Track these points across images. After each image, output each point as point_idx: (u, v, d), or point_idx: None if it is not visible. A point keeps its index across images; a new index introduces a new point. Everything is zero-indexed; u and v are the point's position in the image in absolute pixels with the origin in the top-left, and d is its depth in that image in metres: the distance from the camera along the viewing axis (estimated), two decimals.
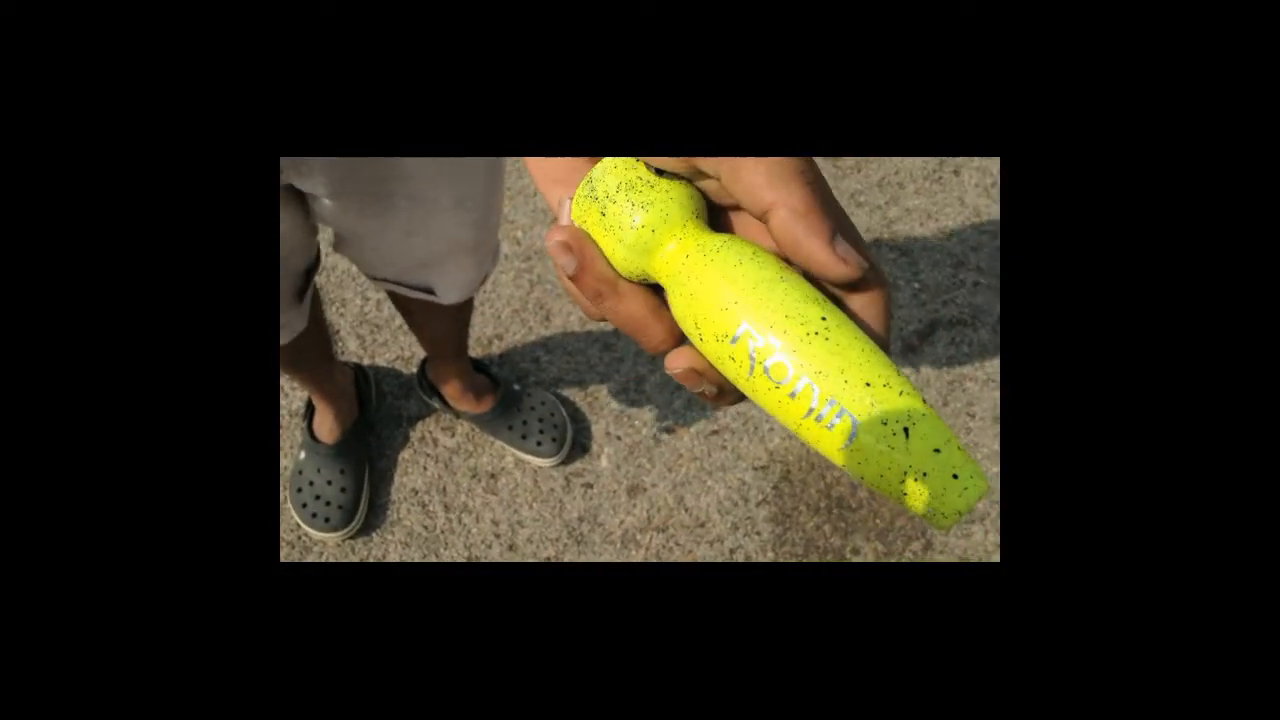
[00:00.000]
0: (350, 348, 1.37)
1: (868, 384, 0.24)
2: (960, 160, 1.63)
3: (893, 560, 1.30)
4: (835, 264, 0.24)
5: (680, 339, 0.27)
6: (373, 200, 0.75)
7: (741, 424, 1.38)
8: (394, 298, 1.02)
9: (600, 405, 1.38)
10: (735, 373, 0.26)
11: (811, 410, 0.25)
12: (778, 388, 0.25)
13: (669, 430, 1.37)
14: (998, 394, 1.42)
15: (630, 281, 0.27)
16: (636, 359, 1.42)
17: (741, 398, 0.27)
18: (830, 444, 0.25)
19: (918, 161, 1.62)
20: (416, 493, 1.28)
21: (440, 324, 1.09)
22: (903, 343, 1.46)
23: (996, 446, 1.38)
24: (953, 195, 1.60)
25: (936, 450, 0.24)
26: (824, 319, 0.25)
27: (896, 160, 1.62)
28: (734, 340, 0.25)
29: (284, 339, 0.92)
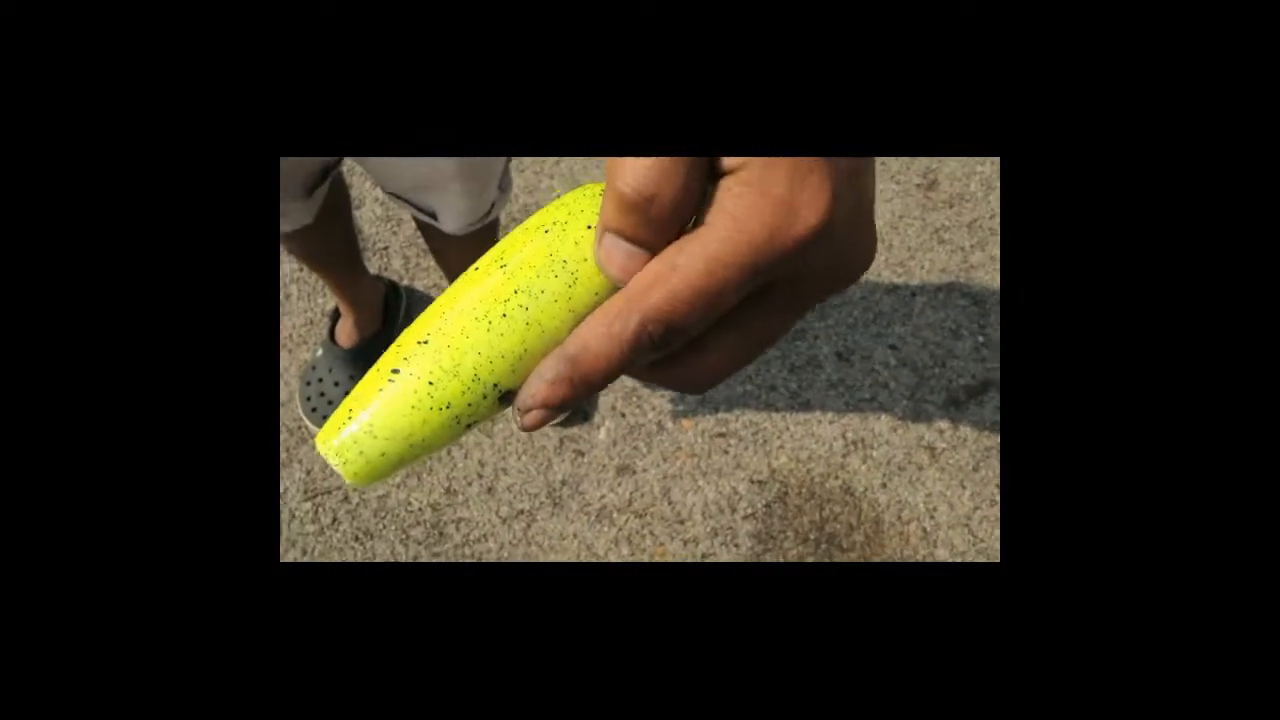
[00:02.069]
0: (394, 265, 1.41)
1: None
2: None
3: None
4: (597, 250, 0.22)
5: None
6: None
7: (752, 433, 1.33)
8: (415, 220, 1.04)
9: None
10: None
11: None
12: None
13: (676, 420, 1.34)
14: None
15: None
16: None
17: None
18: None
19: None
20: None
21: (455, 254, 1.10)
22: (948, 394, 1.36)
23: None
24: None
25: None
26: (516, 292, 0.23)
27: (996, 203, 1.51)
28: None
29: (285, 227, 0.95)
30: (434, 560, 1.21)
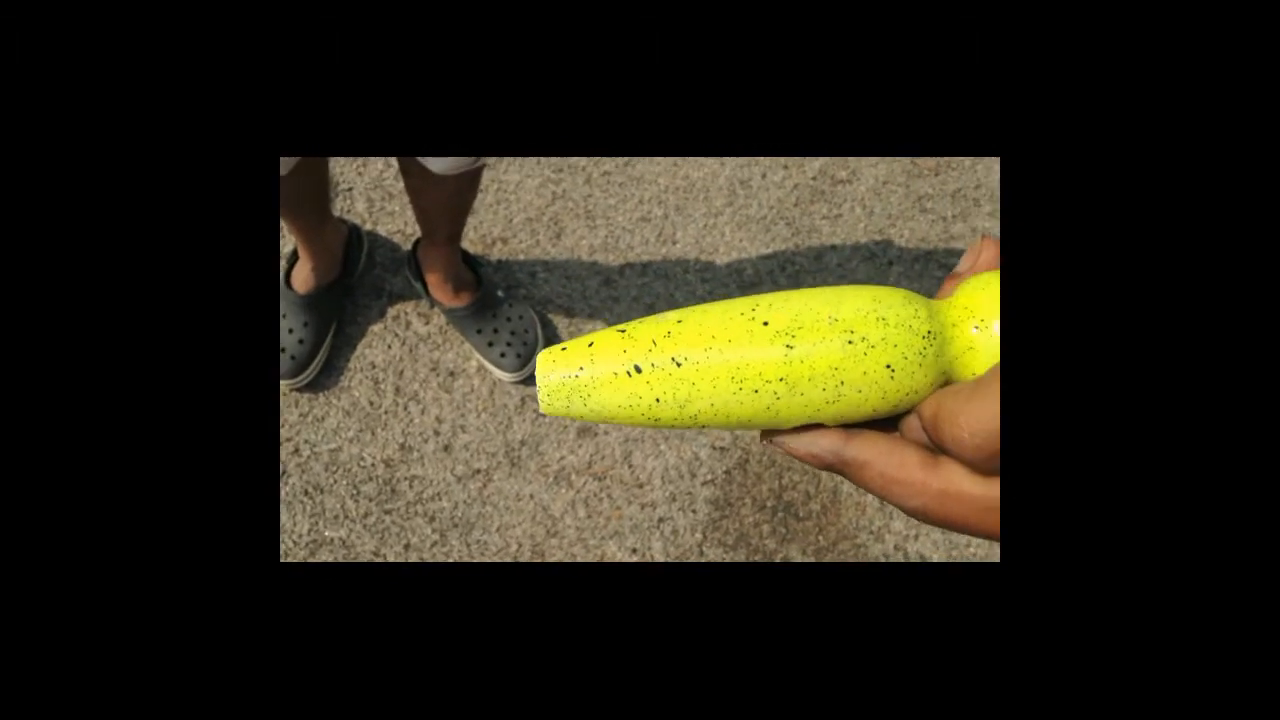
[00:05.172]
0: (358, 208, 1.35)
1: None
2: None
3: None
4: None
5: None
6: None
7: None
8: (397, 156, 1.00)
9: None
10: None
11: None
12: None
13: None
14: None
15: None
16: (633, 303, 1.36)
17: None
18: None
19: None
20: (374, 367, 1.28)
21: (434, 197, 1.06)
22: None
23: None
24: None
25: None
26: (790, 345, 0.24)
27: (983, 173, 1.47)
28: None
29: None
30: (385, 515, 1.20)
